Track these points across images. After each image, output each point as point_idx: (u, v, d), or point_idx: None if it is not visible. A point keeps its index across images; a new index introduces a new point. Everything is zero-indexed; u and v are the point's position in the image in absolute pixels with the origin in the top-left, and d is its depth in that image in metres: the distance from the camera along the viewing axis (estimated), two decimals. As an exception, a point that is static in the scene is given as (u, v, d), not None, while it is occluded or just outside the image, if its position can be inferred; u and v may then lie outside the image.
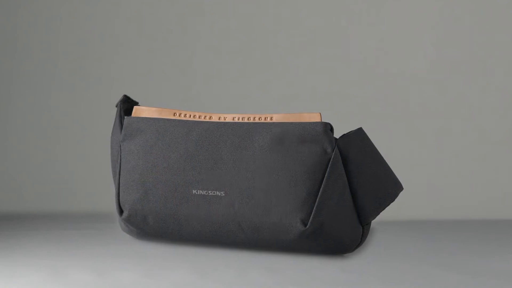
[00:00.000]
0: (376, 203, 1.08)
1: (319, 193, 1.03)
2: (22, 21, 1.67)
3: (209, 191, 1.08)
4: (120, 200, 1.14)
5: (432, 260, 1.08)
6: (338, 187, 1.04)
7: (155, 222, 1.12)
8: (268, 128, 1.07)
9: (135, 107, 1.16)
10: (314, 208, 1.03)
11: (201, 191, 1.08)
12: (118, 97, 1.67)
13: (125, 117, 1.16)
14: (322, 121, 1.05)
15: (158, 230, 1.13)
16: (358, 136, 1.07)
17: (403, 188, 1.13)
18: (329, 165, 1.04)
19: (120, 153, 1.15)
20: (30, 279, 0.96)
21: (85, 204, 1.49)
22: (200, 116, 1.13)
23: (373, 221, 1.33)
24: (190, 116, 1.13)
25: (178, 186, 1.10)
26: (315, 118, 1.06)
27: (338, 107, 1.63)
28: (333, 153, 1.04)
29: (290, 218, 1.04)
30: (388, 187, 1.10)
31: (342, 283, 0.96)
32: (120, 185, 1.14)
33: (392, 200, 1.10)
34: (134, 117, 1.15)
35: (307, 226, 1.03)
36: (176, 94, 1.64)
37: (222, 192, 1.07)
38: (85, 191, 1.54)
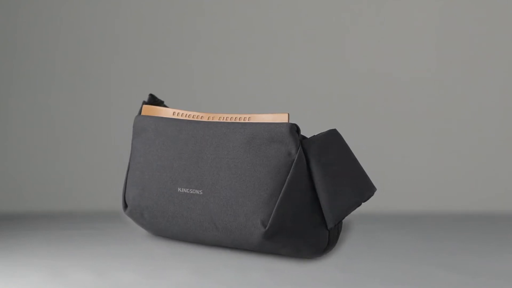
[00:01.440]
0: (342, 206, 1.05)
1: (280, 194, 1.02)
2: (22, 21, 1.66)
3: (191, 190, 1.09)
4: (125, 196, 1.17)
5: (432, 260, 1.08)
6: (300, 189, 1.02)
7: (150, 218, 1.14)
8: (242, 128, 1.06)
9: (144, 106, 1.18)
10: (274, 209, 1.01)
11: (184, 189, 1.09)
12: (118, 97, 1.67)
13: (136, 116, 1.17)
14: (290, 122, 1.04)
15: (153, 226, 1.16)
16: (327, 138, 1.05)
17: (373, 193, 1.10)
18: (292, 166, 1.02)
19: (131, 150, 1.18)
20: (30, 279, 0.96)
21: (85, 204, 1.48)
22: (193, 116, 1.13)
23: (372, 221, 1.33)
24: (186, 115, 1.14)
25: (167, 183, 1.11)
26: (283, 118, 1.05)
27: (338, 107, 1.63)
28: (297, 155, 1.02)
29: (252, 219, 1.03)
30: (355, 191, 1.07)
31: (342, 283, 0.96)
32: (127, 181, 1.18)
33: (359, 204, 1.08)
34: (140, 116, 1.17)
35: (267, 228, 1.01)
36: (175, 94, 1.64)
37: (200, 191, 1.08)
38: (85, 191, 1.54)
